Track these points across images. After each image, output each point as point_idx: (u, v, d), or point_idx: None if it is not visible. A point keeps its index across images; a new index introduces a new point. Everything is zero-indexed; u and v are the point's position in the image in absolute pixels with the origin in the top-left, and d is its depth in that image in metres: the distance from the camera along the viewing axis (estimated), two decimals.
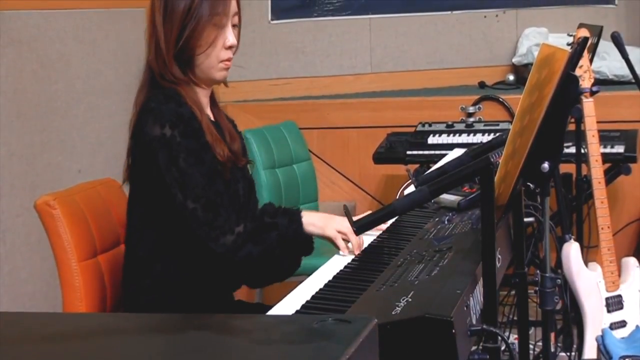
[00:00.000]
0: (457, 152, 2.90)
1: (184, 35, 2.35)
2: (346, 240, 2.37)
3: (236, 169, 2.45)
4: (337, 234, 2.36)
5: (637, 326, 3.35)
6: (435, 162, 3.16)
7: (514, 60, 4.99)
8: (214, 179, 2.33)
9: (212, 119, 2.47)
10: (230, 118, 2.61)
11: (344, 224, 2.35)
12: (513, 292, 2.55)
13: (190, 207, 2.27)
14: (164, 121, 2.28)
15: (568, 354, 3.41)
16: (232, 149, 2.44)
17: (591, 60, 3.63)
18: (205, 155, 2.32)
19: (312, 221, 2.37)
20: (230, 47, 2.41)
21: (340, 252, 2.35)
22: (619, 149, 3.90)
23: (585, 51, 3.35)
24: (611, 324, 3.41)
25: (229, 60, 2.42)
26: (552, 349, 2.51)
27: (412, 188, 2.45)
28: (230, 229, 2.28)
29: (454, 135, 4.21)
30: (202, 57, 2.38)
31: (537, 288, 2.27)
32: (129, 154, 2.38)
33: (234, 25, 2.43)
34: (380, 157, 4.23)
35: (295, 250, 2.37)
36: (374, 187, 4.68)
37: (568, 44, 3.38)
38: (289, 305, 2.01)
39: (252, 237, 2.29)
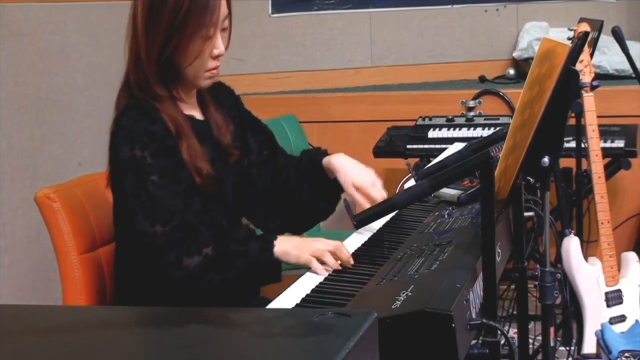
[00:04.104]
0: (457, 146, 2.90)
1: (166, 50, 2.23)
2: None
3: (225, 168, 2.37)
4: (310, 258, 2.18)
5: (636, 321, 3.36)
6: (436, 156, 3.16)
7: (514, 54, 4.99)
8: (191, 196, 2.22)
9: (200, 117, 2.38)
10: (233, 94, 2.52)
11: (317, 245, 2.20)
12: (513, 287, 2.55)
13: (158, 232, 2.14)
14: (134, 142, 2.18)
15: (567, 348, 3.42)
16: (221, 144, 2.37)
17: (592, 55, 3.63)
18: (181, 173, 2.21)
19: (286, 250, 2.20)
20: (217, 56, 2.28)
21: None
22: (619, 143, 3.90)
23: (586, 45, 3.35)
24: (611, 319, 3.41)
25: (215, 68, 2.30)
26: (552, 344, 2.51)
27: (412, 182, 2.44)
28: (199, 249, 2.15)
29: (454, 129, 4.21)
30: (189, 70, 2.27)
31: (536, 282, 2.27)
32: (109, 162, 2.30)
33: (224, 29, 2.29)
34: (380, 151, 4.23)
35: (262, 278, 2.25)
36: None
37: (569, 39, 3.38)
38: (288, 298, 2.01)
39: (216, 264, 2.16)
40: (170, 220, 2.16)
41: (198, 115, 2.39)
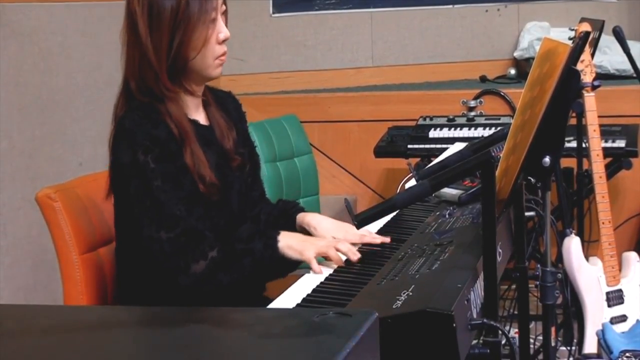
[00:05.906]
0: (458, 146, 2.90)
1: (175, 44, 2.23)
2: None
3: (230, 174, 2.36)
4: (312, 258, 2.20)
5: (637, 320, 3.36)
6: (436, 156, 3.16)
7: (515, 54, 4.99)
8: (194, 203, 2.22)
9: (205, 121, 2.37)
10: (240, 110, 2.50)
11: (319, 243, 2.24)
12: (514, 287, 2.55)
13: (163, 238, 2.15)
14: (137, 146, 2.18)
15: (568, 348, 3.41)
16: (224, 148, 2.35)
17: (593, 55, 3.63)
18: (183, 179, 2.21)
19: (290, 244, 2.22)
20: (224, 41, 2.29)
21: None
22: (620, 143, 3.90)
23: (587, 45, 3.35)
24: (612, 319, 3.41)
25: (224, 54, 2.30)
26: (553, 343, 2.50)
27: (413, 182, 2.44)
28: (204, 254, 2.17)
29: (455, 129, 4.21)
30: (197, 60, 2.26)
31: (537, 282, 2.27)
32: (110, 169, 2.29)
33: (223, 12, 2.30)
34: (381, 151, 4.23)
35: (269, 273, 2.26)
36: (375, 181, 4.68)
37: (570, 38, 3.38)
38: (289, 298, 2.01)
39: (223, 265, 2.17)
40: (175, 226, 2.17)
41: (202, 120, 2.38)
